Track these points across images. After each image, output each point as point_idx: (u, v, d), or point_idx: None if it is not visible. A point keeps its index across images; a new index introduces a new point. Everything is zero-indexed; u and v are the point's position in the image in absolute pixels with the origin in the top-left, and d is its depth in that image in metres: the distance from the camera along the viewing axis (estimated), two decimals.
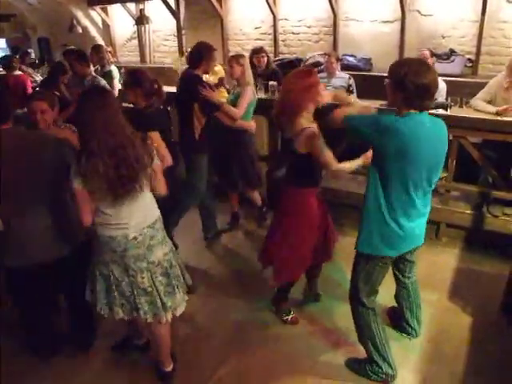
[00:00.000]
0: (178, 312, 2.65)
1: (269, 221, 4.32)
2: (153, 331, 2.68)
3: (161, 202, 2.62)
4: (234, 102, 4.10)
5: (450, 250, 4.14)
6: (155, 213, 2.53)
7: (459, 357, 2.94)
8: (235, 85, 4.30)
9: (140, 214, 2.42)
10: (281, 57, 7.24)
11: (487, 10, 5.70)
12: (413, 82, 2.16)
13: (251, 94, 4.13)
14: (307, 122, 2.76)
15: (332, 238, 3.20)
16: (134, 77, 3.31)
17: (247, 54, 5.00)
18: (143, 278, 2.46)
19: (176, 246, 3.47)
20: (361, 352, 2.86)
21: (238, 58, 4.14)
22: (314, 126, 2.76)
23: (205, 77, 5.70)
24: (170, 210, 3.99)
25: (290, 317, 3.33)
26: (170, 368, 2.83)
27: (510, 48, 5.41)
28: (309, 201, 2.97)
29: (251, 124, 4.28)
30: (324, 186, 3.30)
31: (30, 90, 6.57)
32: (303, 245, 3.01)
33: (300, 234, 2.99)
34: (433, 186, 2.44)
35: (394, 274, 2.99)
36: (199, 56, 3.95)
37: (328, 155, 2.71)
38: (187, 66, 4.15)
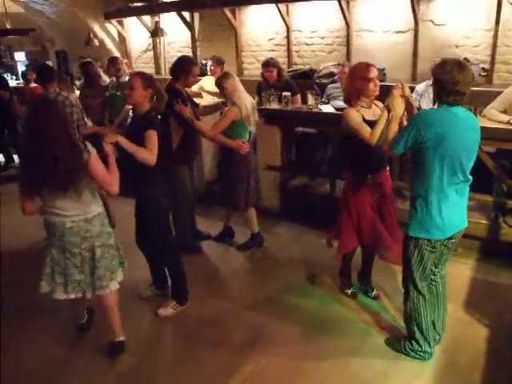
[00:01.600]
0: (113, 286, 3.03)
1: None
2: (100, 303, 3.09)
3: None
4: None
5: (465, 261, 4.11)
6: (94, 210, 2.91)
7: (475, 368, 2.92)
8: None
9: (77, 210, 2.82)
10: (294, 68, 7.27)
11: (501, 18, 5.67)
12: (445, 80, 2.51)
13: (234, 114, 4.03)
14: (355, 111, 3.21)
15: (394, 226, 3.45)
16: (147, 78, 3.35)
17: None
18: (75, 259, 2.88)
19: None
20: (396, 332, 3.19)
21: (218, 79, 4.15)
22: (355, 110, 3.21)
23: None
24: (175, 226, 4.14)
25: (350, 291, 3.74)
26: (122, 338, 3.18)
27: None
28: (358, 186, 3.34)
29: (238, 144, 4.13)
30: None
31: None
32: (355, 220, 3.41)
33: (352, 214, 3.41)
34: (468, 175, 2.68)
35: None
36: (179, 70, 4.04)
37: (364, 129, 3.12)
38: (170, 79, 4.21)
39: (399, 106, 2.91)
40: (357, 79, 3.22)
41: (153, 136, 3.14)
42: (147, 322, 3.56)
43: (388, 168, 3.48)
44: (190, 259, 4.33)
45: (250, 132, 4.31)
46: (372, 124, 3.13)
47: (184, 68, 4.04)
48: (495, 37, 5.77)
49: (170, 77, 4.18)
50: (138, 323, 3.51)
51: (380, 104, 3.39)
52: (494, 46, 5.81)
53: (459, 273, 3.88)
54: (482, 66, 5.87)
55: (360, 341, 3.23)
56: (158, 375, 3.03)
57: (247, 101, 4.13)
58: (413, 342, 3.00)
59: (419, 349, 2.98)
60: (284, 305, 3.69)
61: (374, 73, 3.22)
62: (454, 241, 2.82)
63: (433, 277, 2.97)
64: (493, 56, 5.83)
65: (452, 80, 2.50)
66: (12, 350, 3.24)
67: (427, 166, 2.61)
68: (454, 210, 2.69)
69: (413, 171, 2.76)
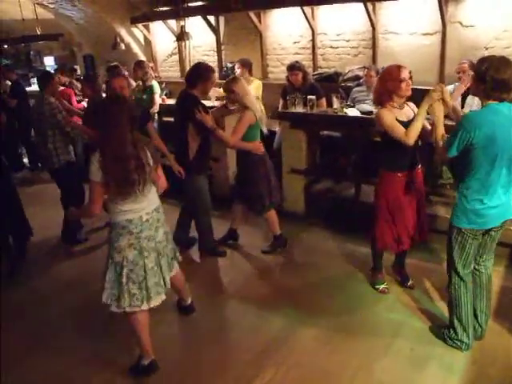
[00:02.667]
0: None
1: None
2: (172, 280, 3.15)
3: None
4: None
5: (495, 269, 3.96)
6: (157, 200, 3.02)
7: (505, 381, 2.84)
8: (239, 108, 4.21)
9: (147, 202, 2.88)
10: (319, 71, 7.23)
11: None
12: (492, 77, 2.56)
13: (250, 118, 4.04)
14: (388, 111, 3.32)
15: (424, 221, 3.67)
16: None
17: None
18: (153, 257, 2.90)
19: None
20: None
21: (227, 84, 4.10)
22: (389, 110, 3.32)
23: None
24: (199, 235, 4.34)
25: (380, 287, 3.85)
26: (189, 301, 3.61)
27: None
28: (391, 183, 3.49)
29: (255, 146, 4.16)
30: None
31: (75, 103, 6.85)
32: (390, 219, 3.55)
33: (386, 211, 3.54)
34: None
35: None
36: (197, 77, 3.97)
37: (399, 129, 3.23)
38: (184, 87, 4.12)
39: (439, 110, 2.99)
40: (389, 81, 3.33)
41: None
42: (167, 324, 3.59)
43: (420, 166, 3.57)
44: (211, 262, 4.39)
45: (262, 131, 4.33)
46: (404, 125, 3.26)
47: (202, 75, 4.00)
48: None
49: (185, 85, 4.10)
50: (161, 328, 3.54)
51: (412, 105, 3.51)
52: None
53: None
54: None
55: (386, 344, 3.20)
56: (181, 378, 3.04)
57: (257, 103, 4.17)
58: (451, 329, 3.09)
59: (456, 337, 3.06)
60: (309, 307, 3.68)
61: (405, 73, 3.32)
62: (497, 230, 2.93)
63: (477, 266, 3.07)
64: None
65: (501, 76, 2.56)
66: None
67: (475, 163, 2.71)
68: (496, 203, 2.79)
69: (459, 166, 2.83)
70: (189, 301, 3.64)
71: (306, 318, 3.54)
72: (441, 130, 2.95)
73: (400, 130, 3.24)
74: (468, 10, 6.01)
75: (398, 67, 3.34)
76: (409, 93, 3.36)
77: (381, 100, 3.42)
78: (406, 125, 3.26)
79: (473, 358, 3.04)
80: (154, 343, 3.10)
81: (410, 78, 3.41)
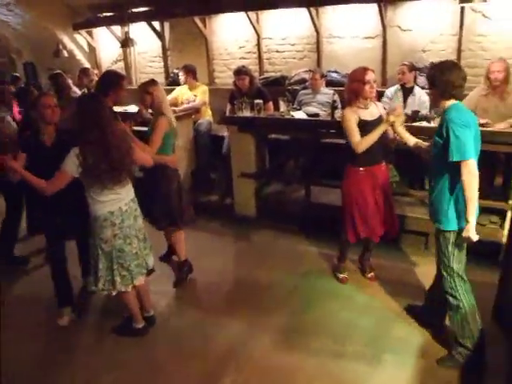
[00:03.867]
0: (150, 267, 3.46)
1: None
2: (138, 287, 3.39)
3: None
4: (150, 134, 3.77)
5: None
6: (132, 191, 3.27)
7: (451, 373, 2.94)
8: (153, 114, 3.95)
9: (125, 193, 3.15)
10: (266, 75, 7.30)
11: (464, 24, 5.83)
12: (441, 80, 2.74)
13: (165, 126, 3.73)
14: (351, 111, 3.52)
15: (392, 214, 3.79)
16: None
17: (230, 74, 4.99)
18: (135, 243, 3.21)
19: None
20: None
21: (145, 85, 3.82)
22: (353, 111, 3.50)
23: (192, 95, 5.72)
24: None
25: (341, 275, 4.05)
26: (152, 312, 3.61)
27: (488, 60, 5.51)
28: (353, 176, 3.64)
29: (171, 159, 3.89)
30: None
31: (17, 115, 6.56)
32: (356, 211, 3.68)
33: (351, 203, 3.68)
34: None
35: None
36: (108, 85, 3.69)
37: (353, 136, 3.44)
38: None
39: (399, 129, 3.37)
40: (354, 82, 3.52)
41: None
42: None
43: (384, 163, 3.73)
44: (165, 270, 4.32)
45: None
46: (367, 124, 3.48)
47: (113, 82, 3.70)
48: (460, 41, 5.92)
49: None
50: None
51: (379, 104, 3.78)
52: (459, 50, 5.96)
53: (432, 271, 3.88)
54: (459, 64, 5.99)
55: (342, 342, 3.27)
56: None
57: (172, 112, 3.96)
58: (460, 347, 2.96)
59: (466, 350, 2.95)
60: (265, 309, 3.70)
61: (370, 76, 3.50)
62: None
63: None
64: (458, 60, 5.96)
65: (447, 77, 2.74)
66: None
67: (456, 166, 2.73)
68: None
69: (441, 169, 2.84)
70: (151, 312, 3.63)
71: (262, 320, 3.55)
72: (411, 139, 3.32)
73: (355, 137, 3.46)
74: (405, 15, 6.26)
75: (364, 70, 3.52)
76: (372, 95, 3.56)
77: (348, 99, 3.64)
78: (370, 123, 3.49)
79: (422, 351, 3.15)
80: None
81: (375, 81, 3.57)
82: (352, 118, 3.50)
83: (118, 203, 3.10)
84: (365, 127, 3.48)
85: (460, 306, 2.91)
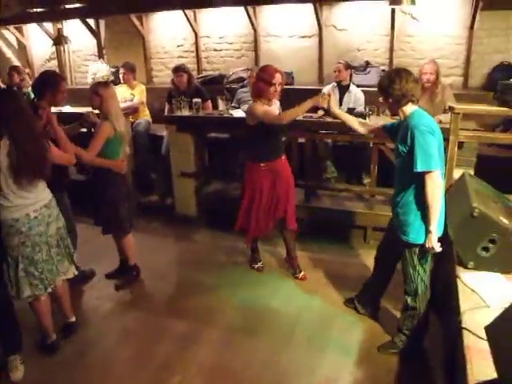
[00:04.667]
0: (68, 275, 3.23)
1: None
2: (55, 294, 3.22)
3: None
4: None
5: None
6: (48, 195, 3.02)
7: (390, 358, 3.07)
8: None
9: (34, 198, 2.89)
10: (204, 74, 7.25)
11: (395, 25, 6.05)
12: (393, 88, 2.71)
13: (107, 131, 3.61)
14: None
15: (291, 213, 3.88)
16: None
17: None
18: (45, 250, 2.98)
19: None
20: None
21: (96, 86, 3.72)
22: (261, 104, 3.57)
23: (130, 95, 5.58)
24: None
25: (256, 265, 4.24)
26: (73, 319, 3.45)
27: (419, 60, 5.77)
28: (255, 172, 3.73)
29: (117, 163, 3.77)
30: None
31: None
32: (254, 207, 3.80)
33: (251, 199, 3.81)
34: None
35: (385, 260, 3.25)
36: (43, 86, 3.50)
37: (272, 114, 3.52)
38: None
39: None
40: (261, 81, 3.57)
41: None
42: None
43: (284, 157, 3.83)
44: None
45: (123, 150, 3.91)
46: None
47: (50, 83, 3.49)
48: (392, 41, 6.15)
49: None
50: None
51: (277, 103, 3.83)
52: (391, 50, 6.18)
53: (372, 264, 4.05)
54: (382, 68, 6.21)
55: (286, 336, 3.31)
56: None
57: (121, 117, 3.79)
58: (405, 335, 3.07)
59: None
60: (209, 308, 3.68)
61: (277, 79, 3.53)
62: None
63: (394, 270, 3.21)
64: (390, 59, 6.21)
65: (415, 85, 2.74)
66: None
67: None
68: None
69: (405, 179, 2.79)
70: (73, 318, 3.46)
71: (207, 320, 3.53)
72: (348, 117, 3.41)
73: (273, 113, 3.58)
74: (340, 15, 6.43)
75: (273, 71, 3.56)
76: (275, 98, 3.64)
77: (254, 95, 3.71)
78: None
79: (364, 337, 3.25)
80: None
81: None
82: (261, 106, 3.57)
83: (25, 209, 2.85)
84: None
85: (416, 307, 2.98)
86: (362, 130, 3.33)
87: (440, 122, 4.08)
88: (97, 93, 3.62)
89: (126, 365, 3.14)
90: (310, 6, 6.27)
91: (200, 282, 4.09)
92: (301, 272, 4.06)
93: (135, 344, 3.36)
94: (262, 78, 3.58)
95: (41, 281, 2.99)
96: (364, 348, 3.17)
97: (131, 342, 3.39)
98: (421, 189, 2.69)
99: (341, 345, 3.21)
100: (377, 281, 3.38)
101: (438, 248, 2.71)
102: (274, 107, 3.72)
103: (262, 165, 3.72)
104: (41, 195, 2.95)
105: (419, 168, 2.61)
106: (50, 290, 3.08)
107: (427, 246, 2.72)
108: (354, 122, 3.36)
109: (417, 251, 2.85)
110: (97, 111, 3.87)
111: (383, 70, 6.19)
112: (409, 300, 3.00)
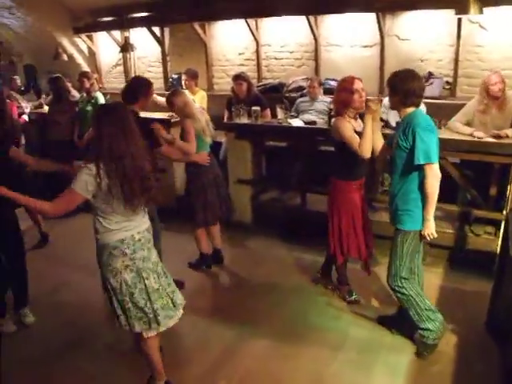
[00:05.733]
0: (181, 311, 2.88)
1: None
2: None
3: None
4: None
5: (434, 270, 4.19)
6: (148, 220, 2.80)
7: (446, 376, 2.97)
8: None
9: (139, 221, 2.69)
10: (264, 82, 7.33)
11: (462, 34, 5.86)
12: (402, 88, 2.90)
13: (192, 126, 3.99)
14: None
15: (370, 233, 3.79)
16: None
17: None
18: (153, 278, 2.68)
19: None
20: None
21: (169, 96, 4.08)
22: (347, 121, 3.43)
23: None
24: None
25: (353, 297, 3.84)
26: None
27: (486, 71, 5.56)
28: (347, 192, 3.58)
29: (201, 157, 4.11)
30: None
31: (16, 116, 6.59)
32: (352, 228, 3.64)
33: (344, 220, 3.63)
34: None
35: None
36: (138, 91, 3.72)
37: (355, 143, 3.32)
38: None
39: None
40: (342, 91, 3.46)
41: None
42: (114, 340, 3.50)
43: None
44: None
45: (209, 145, 4.28)
46: (359, 135, 3.38)
47: (144, 88, 3.77)
48: (457, 52, 5.95)
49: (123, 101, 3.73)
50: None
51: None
52: (457, 60, 5.99)
53: (428, 281, 3.92)
54: (445, 79, 6.04)
55: (334, 351, 3.27)
56: None
57: (199, 114, 4.14)
58: (424, 330, 3.11)
59: (433, 334, 3.10)
60: (259, 316, 3.71)
61: (358, 85, 3.44)
62: None
63: (416, 270, 3.20)
64: (455, 70, 6.01)
65: (419, 86, 2.92)
66: None
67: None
68: None
69: (405, 171, 2.97)
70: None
71: (255, 327, 3.57)
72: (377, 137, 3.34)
73: (356, 141, 3.33)
74: (404, 25, 6.30)
75: (352, 78, 3.46)
76: (361, 105, 3.41)
77: (337, 110, 3.57)
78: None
79: (414, 357, 3.16)
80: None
81: (364, 90, 3.51)
82: (348, 126, 3.40)
83: (131, 231, 2.63)
84: None
85: (410, 299, 3.08)
86: (377, 152, 3.38)
87: (507, 136, 3.95)
88: (171, 103, 4.04)
89: (174, 364, 3.17)
90: (372, 16, 6.20)
91: (251, 288, 4.13)
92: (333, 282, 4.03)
93: (181, 347, 3.44)
94: (342, 88, 3.46)
95: (145, 315, 2.66)
96: (413, 368, 3.07)
97: (178, 345, 3.46)
98: (418, 180, 2.93)
99: (389, 364, 3.13)
100: None
101: (435, 234, 2.97)
102: (360, 122, 3.52)
103: (353, 183, 3.57)
104: (143, 218, 2.74)
105: (421, 161, 2.82)
106: (161, 329, 2.74)
107: (426, 232, 2.95)
108: (376, 141, 3.32)
109: (409, 238, 3.03)
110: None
111: (447, 82, 6.03)
112: (399, 296, 3.13)
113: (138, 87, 3.76)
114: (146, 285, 2.64)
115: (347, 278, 3.89)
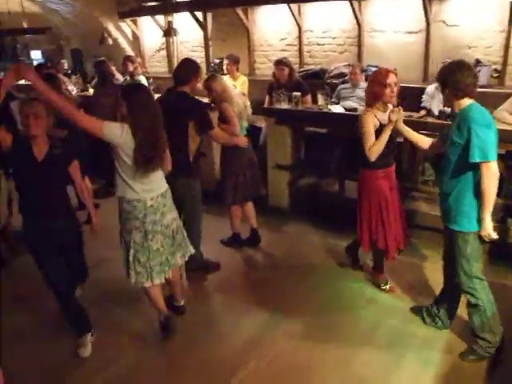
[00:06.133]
0: (177, 266, 3.35)
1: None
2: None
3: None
4: None
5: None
6: (164, 185, 3.14)
7: (478, 372, 2.93)
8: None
9: (154, 186, 3.03)
10: (306, 68, 7.30)
11: None
12: (452, 80, 2.75)
13: (229, 108, 4.06)
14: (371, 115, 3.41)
15: (404, 222, 3.74)
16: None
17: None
18: (157, 239, 3.08)
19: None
20: None
21: (207, 81, 4.12)
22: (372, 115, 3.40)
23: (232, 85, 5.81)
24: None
25: (387, 286, 3.83)
26: (182, 303, 3.60)
27: None
28: (374, 180, 3.56)
29: (241, 139, 4.17)
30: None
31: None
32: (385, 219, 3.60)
33: (375, 210, 3.60)
34: None
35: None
36: (189, 73, 3.79)
37: (369, 141, 3.35)
38: (169, 87, 3.98)
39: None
40: (375, 84, 3.42)
41: None
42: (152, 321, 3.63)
43: (394, 165, 3.69)
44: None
45: (245, 127, 4.36)
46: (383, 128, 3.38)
47: (195, 70, 3.83)
48: (508, 38, 5.75)
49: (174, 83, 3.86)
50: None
51: (390, 106, 3.56)
52: (507, 47, 5.78)
53: None
54: (494, 67, 5.85)
55: (364, 339, 3.28)
56: (160, 374, 3.10)
57: (237, 97, 4.22)
58: (480, 340, 2.98)
59: (489, 345, 2.97)
60: (291, 301, 3.74)
61: (391, 79, 3.38)
62: None
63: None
64: (505, 57, 5.81)
65: (469, 76, 2.75)
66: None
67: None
68: None
69: (460, 169, 2.82)
70: (182, 302, 3.63)
71: (287, 312, 3.60)
72: (413, 134, 3.30)
73: (370, 142, 3.39)
74: (452, 10, 6.12)
75: (387, 72, 3.41)
76: (393, 99, 3.44)
77: (368, 101, 3.54)
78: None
79: (448, 349, 3.13)
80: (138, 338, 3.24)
81: (398, 84, 3.46)
82: (371, 122, 3.40)
83: (145, 195, 2.98)
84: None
85: (479, 303, 2.93)
86: (425, 146, 3.29)
87: None
88: (209, 88, 4.08)
89: (203, 351, 3.26)
90: (418, 1, 6.05)
91: (286, 273, 4.16)
92: (359, 261, 4.09)
93: (214, 329, 3.50)
94: (375, 80, 3.44)
95: (146, 270, 3.07)
96: (445, 362, 3.04)
97: (211, 326, 3.53)
98: (474, 179, 2.77)
99: (422, 355, 3.10)
100: (450, 291, 3.25)
101: (494, 235, 2.76)
102: (387, 115, 3.46)
103: (379, 171, 3.56)
104: (159, 183, 3.08)
105: (477, 158, 2.66)
106: (155, 282, 3.12)
107: (483, 233, 2.77)
108: (418, 138, 3.31)
109: (470, 239, 2.86)
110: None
111: (495, 70, 5.83)
112: (468, 297, 2.97)
113: (189, 69, 3.83)
114: (149, 245, 3.05)
115: (383, 267, 3.87)
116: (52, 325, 3.49)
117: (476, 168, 2.73)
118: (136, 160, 2.86)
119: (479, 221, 2.80)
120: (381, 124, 3.41)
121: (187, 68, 3.85)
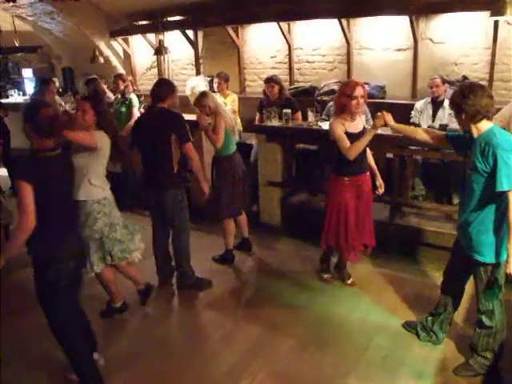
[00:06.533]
0: (131, 259, 3.70)
1: None
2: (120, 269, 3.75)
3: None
4: None
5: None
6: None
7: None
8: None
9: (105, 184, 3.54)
10: (296, 85, 7.36)
11: (498, 37, 5.74)
12: (467, 104, 2.65)
13: (223, 122, 4.27)
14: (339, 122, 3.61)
15: (369, 229, 3.92)
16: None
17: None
18: (119, 231, 3.54)
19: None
20: None
21: (199, 100, 4.32)
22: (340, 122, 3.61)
23: (222, 103, 5.88)
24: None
25: (325, 275, 4.27)
26: (142, 286, 3.96)
27: None
28: (338, 186, 3.76)
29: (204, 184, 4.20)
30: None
31: None
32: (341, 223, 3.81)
33: (337, 214, 3.81)
34: None
35: (454, 284, 3.18)
36: (166, 91, 4.00)
37: (344, 143, 3.51)
38: (148, 104, 4.39)
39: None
40: (342, 95, 3.60)
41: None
42: (141, 334, 3.59)
43: (369, 173, 3.86)
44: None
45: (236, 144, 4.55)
46: (353, 136, 3.56)
47: (171, 89, 4.04)
48: (493, 55, 5.83)
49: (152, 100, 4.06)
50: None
51: (363, 117, 3.91)
52: (492, 63, 5.86)
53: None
54: (480, 83, 5.92)
55: (359, 353, 3.28)
56: None
57: (228, 112, 4.45)
58: (483, 357, 2.97)
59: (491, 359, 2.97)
60: (285, 316, 3.76)
61: (358, 92, 3.54)
62: None
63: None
64: (491, 74, 5.90)
65: (482, 97, 2.64)
66: None
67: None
68: None
69: (484, 197, 2.71)
70: (143, 286, 3.96)
71: (281, 327, 3.61)
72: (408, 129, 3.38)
73: (345, 143, 3.56)
74: (438, 28, 6.22)
75: (355, 84, 3.60)
76: (358, 111, 3.63)
77: (335, 110, 3.78)
78: (354, 136, 3.59)
79: (442, 364, 3.13)
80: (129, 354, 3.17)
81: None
82: (339, 127, 3.61)
83: (107, 190, 3.50)
84: (349, 140, 3.56)
85: (493, 326, 2.89)
86: (425, 137, 3.21)
87: None
88: (204, 105, 4.26)
89: (195, 365, 3.25)
90: (405, 19, 6.14)
91: (279, 290, 4.17)
92: (350, 279, 4.18)
93: (207, 344, 3.51)
94: (343, 92, 3.63)
95: (111, 256, 3.52)
96: (440, 377, 3.04)
97: (204, 341, 3.54)
98: (500, 208, 2.67)
99: (415, 368, 3.11)
100: (447, 306, 3.25)
101: None
102: (357, 123, 3.74)
103: (345, 179, 3.74)
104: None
105: (505, 187, 2.56)
106: (114, 263, 3.57)
107: (508, 270, 2.65)
108: (415, 132, 3.31)
109: (495, 269, 2.80)
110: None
111: None
112: (483, 319, 2.92)
113: (167, 87, 4.07)
114: (114, 236, 3.51)
115: (328, 265, 4.28)
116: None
117: (501, 196, 2.64)
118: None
119: (503, 250, 2.73)
120: (347, 132, 3.59)
121: (165, 86, 4.10)
